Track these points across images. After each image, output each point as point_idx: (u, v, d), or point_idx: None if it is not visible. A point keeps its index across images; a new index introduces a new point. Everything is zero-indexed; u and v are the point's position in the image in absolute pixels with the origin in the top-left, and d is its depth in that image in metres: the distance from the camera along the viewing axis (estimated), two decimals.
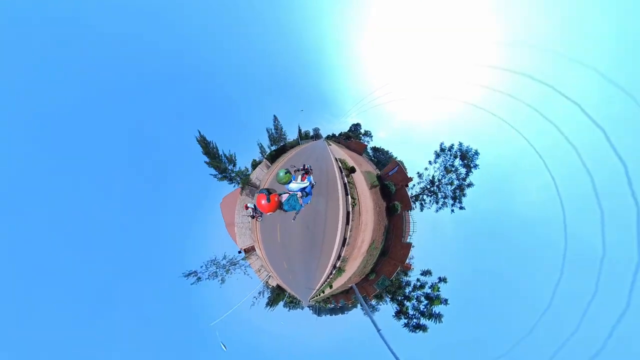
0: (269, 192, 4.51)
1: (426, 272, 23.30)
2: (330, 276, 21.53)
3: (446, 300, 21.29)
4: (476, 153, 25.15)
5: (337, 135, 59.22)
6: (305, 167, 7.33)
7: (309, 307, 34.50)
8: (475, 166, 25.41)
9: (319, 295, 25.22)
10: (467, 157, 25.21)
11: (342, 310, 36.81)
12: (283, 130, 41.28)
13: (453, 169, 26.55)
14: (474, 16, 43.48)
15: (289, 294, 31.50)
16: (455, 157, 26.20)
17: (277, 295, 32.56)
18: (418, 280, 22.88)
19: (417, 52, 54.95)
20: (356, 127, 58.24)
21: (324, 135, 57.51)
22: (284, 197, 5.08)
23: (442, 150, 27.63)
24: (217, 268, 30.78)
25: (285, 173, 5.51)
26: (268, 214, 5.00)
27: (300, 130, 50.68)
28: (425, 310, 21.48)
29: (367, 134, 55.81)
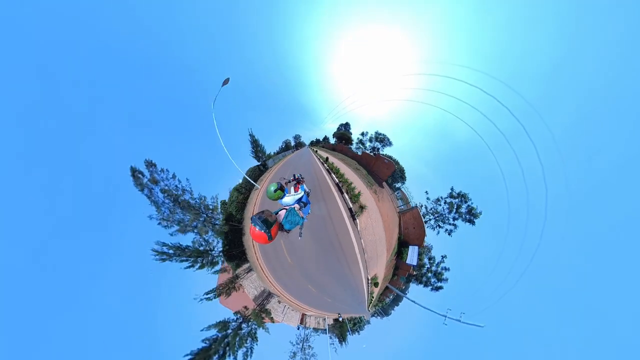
0: (267, 223, 3.46)
1: (431, 258, 32.38)
2: (369, 277, 21.21)
3: (448, 268, 31.68)
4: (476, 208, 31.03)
5: (323, 140, 53.40)
6: (296, 177, 6.65)
7: (373, 315, 32.37)
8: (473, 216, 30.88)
9: (372, 299, 24.55)
10: (472, 211, 31.06)
11: (400, 295, 35.21)
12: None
13: (455, 208, 32.21)
14: (402, 47, 77.84)
15: (348, 318, 29.17)
16: (458, 199, 32.09)
17: (340, 327, 29.27)
18: (428, 262, 32.42)
19: (372, 69, 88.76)
20: (345, 126, 52.21)
21: (308, 141, 56.42)
22: (281, 215, 4.24)
23: (452, 196, 32.68)
24: (304, 356, 25.92)
25: (276, 190, 4.75)
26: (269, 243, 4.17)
27: (257, 145, 35.19)
28: (437, 278, 31.71)
29: (384, 139, 40.43)
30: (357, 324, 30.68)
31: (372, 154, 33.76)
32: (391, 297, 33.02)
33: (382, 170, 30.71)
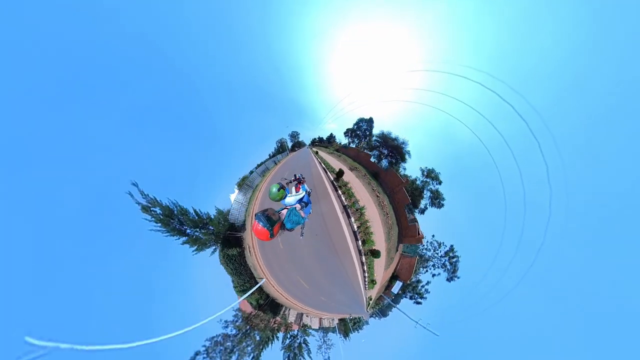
0: (270, 220, 3.70)
1: (419, 280, 36.15)
2: (366, 276, 22.54)
3: (429, 291, 35.99)
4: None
5: (328, 140, 44.87)
6: (297, 177, 6.72)
7: (371, 316, 34.65)
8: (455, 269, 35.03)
9: (370, 300, 26.80)
10: (455, 272, 35.03)
11: (395, 301, 37.63)
12: None
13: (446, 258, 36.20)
14: (402, 45, 76.22)
15: (350, 318, 31.93)
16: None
17: (344, 325, 33.04)
18: (416, 282, 36.37)
19: (369, 69, 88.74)
20: (368, 124, 38.43)
21: (308, 140, 52.25)
22: (283, 214, 4.32)
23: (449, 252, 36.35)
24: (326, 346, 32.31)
25: (279, 189, 4.84)
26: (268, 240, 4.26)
27: (169, 216, 22.62)
28: (417, 295, 35.84)
29: (438, 196, 33.99)
30: (356, 324, 34.59)
31: (418, 233, 28.56)
32: (386, 302, 35.41)
33: (409, 240, 29.11)
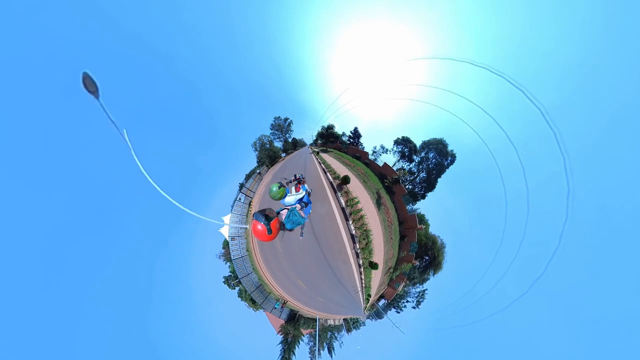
0: (267, 218, 3.67)
1: (407, 293, 42.95)
2: (362, 276, 24.45)
3: (406, 306, 43.48)
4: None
5: (353, 142, 35.27)
6: (297, 177, 6.72)
7: (368, 317, 37.77)
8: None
9: (367, 302, 29.31)
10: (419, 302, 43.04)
11: (390, 305, 43.02)
12: None
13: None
14: (403, 44, 71.83)
15: (350, 318, 37.83)
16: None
17: (347, 323, 40.09)
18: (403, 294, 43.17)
19: (372, 67, 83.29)
20: (441, 153, 27.42)
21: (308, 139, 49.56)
22: (283, 214, 4.29)
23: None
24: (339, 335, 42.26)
25: (279, 187, 4.83)
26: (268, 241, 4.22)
27: None
28: (399, 307, 43.41)
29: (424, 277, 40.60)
30: (354, 323, 41.90)
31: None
32: (381, 305, 40.39)
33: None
